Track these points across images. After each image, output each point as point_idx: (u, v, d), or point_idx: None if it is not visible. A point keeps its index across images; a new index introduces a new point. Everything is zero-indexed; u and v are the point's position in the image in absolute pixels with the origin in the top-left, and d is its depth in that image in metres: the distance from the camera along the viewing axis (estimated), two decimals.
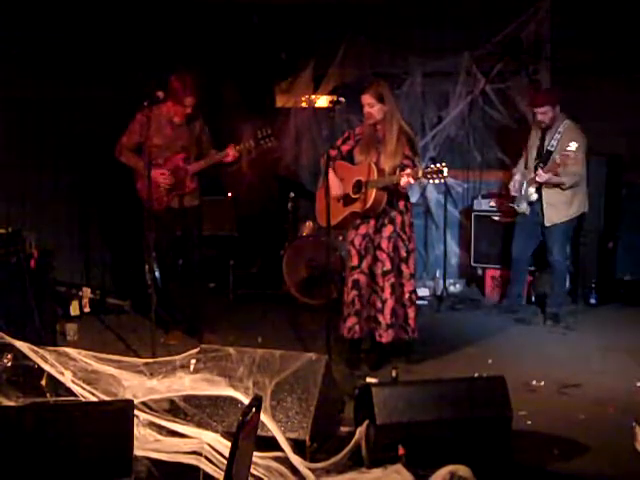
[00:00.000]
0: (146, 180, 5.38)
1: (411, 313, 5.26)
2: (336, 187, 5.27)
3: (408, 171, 4.95)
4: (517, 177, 6.50)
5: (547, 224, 6.34)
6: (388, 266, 5.18)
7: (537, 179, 6.19)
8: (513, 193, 6.48)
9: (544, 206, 6.33)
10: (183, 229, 5.88)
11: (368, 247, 5.24)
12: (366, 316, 5.31)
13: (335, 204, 5.24)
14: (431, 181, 4.94)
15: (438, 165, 4.82)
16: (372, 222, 5.22)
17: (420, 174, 4.88)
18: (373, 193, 5.09)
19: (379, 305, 5.21)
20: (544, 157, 6.29)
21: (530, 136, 6.49)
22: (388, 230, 5.20)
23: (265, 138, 5.67)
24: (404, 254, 5.23)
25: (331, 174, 5.28)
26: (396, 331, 5.26)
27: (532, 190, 6.31)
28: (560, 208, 6.33)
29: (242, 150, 5.77)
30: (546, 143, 6.31)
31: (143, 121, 5.49)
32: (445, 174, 4.79)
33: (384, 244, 5.19)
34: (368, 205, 5.13)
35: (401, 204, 5.23)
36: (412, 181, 4.95)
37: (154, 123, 5.59)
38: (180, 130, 5.75)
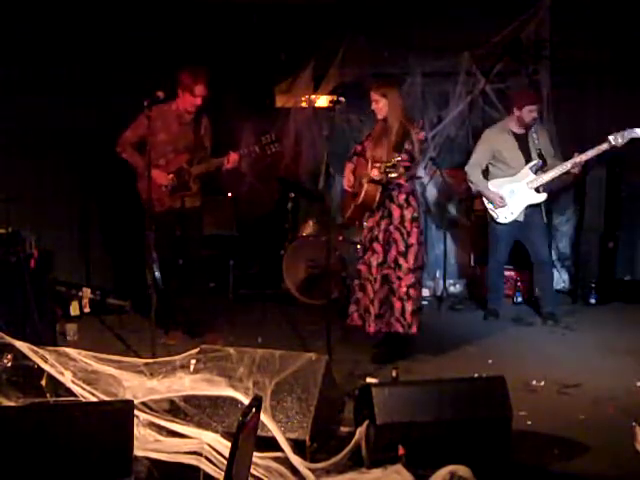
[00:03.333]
0: (147, 180, 5.40)
1: (408, 307, 5.30)
2: (347, 180, 5.52)
3: (377, 164, 5.18)
4: (495, 189, 6.35)
5: (546, 220, 6.47)
6: (380, 258, 5.33)
7: (574, 170, 6.14)
8: (499, 205, 6.33)
9: (542, 206, 6.39)
10: (183, 230, 5.88)
11: (372, 239, 5.38)
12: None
13: (349, 199, 5.53)
14: (391, 175, 5.10)
15: (393, 160, 5.06)
16: (376, 215, 5.37)
17: (382, 168, 5.10)
18: (364, 187, 5.28)
19: (371, 295, 5.35)
20: (540, 157, 6.29)
21: (495, 144, 6.37)
22: (385, 223, 5.34)
23: (270, 144, 5.70)
24: (402, 248, 5.30)
25: (347, 168, 5.53)
26: (388, 323, 5.34)
27: (533, 192, 6.30)
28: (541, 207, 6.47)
29: (243, 155, 5.78)
30: (533, 144, 6.30)
31: (153, 115, 5.49)
32: (399, 171, 5.03)
33: (380, 236, 5.35)
34: (360, 199, 5.33)
35: (401, 198, 5.32)
36: (377, 174, 5.17)
37: (160, 119, 5.60)
38: (186, 129, 5.74)
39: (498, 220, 6.40)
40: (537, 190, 6.31)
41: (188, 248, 5.91)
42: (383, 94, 5.27)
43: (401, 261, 5.30)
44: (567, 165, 6.15)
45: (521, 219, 6.38)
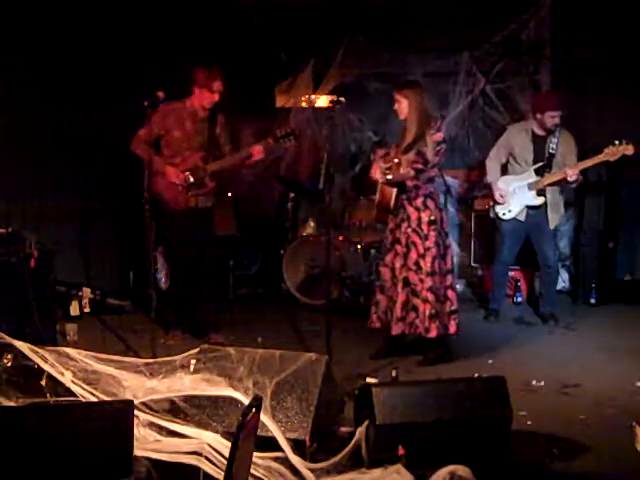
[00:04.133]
0: (162, 177, 5.42)
1: (427, 310, 5.25)
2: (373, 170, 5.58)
3: (381, 165, 5.29)
4: (501, 185, 6.37)
5: (552, 226, 6.41)
6: (402, 260, 5.31)
7: (570, 178, 6.09)
8: (500, 201, 6.36)
9: (549, 209, 6.36)
10: (193, 229, 5.75)
11: (393, 241, 5.39)
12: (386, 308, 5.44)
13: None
14: (387, 177, 5.23)
15: (390, 162, 5.24)
16: (397, 217, 5.37)
17: (381, 170, 5.27)
18: (379, 188, 5.36)
19: (395, 297, 5.33)
20: (548, 160, 6.27)
21: (512, 141, 6.38)
22: (404, 226, 5.33)
23: (285, 137, 5.55)
24: (422, 250, 5.27)
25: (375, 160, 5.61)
26: (411, 324, 5.29)
27: (534, 193, 6.30)
28: (559, 210, 6.44)
29: (265, 147, 5.62)
30: (548, 147, 6.28)
31: (166, 112, 5.49)
32: (394, 172, 5.16)
33: (402, 239, 5.33)
34: (377, 200, 5.41)
35: (419, 201, 5.30)
36: (377, 175, 5.33)
37: (174, 117, 5.57)
38: (201, 126, 5.67)
39: (499, 215, 6.42)
40: (539, 193, 6.30)
41: (199, 248, 5.82)
42: (405, 95, 5.26)
43: (422, 263, 5.25)
44: (562, 173, 6.14)
45: (522, 219, 6.36)
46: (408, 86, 5.40)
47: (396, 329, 5.31)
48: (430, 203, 5.31)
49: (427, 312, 5.25)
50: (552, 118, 6.18)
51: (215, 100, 5.60)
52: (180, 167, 5.63)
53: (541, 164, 6.27)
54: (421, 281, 5.25)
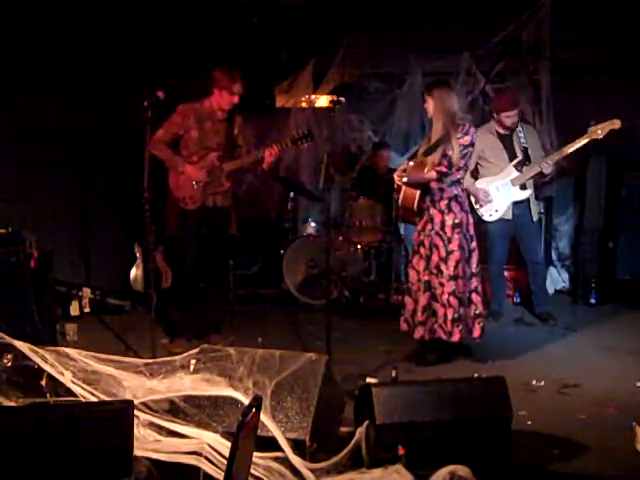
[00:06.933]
0: (180, 176, 5.44)
1: (449, 315, 5.19)
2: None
3: (402, 166, 5.33)
4: (482, 186, 6.32)
5: (535, 218, 6.42)
6: (424, 263, 5.28)
7: (545, 170, 6.11)
8: (484, 203, 6.31)
9: (531, 202, 6.36)
10: (209, 228, 5.69)
11: (419, 243, 5.37)
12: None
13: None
14: (403, 179, 5.25)
15: (405, 165, 5.32)
16: (423, 219, 5.33)
17: (401, 171, 5.31)
18: (402, 189, 5.33)
19: (418, 300, 5.30)
20: (524, 155, 6.26)
21: (480, 144, 6.12)
22: (428, 228, 5.29)
23: (302, 139, 5.48)
24: (444, 254, 5.21)
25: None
26: (431, 330, 5.25)
27: (518, 188, 6.28)
28: (537, 204, 6.51)
29: (281, 148, 5.56)
30: (518, 142, 6.28)
31: (186, 113, 5.50)
32: (404, 180, 5.22)
33: (426, 241, 5.29)
34: (399, 201, 5.39)
35: (442, 203, 5.24)
36: (396, 179, 5.33)
37: (193, 117, 5.56)
38: (219, 127, 5.65)
39: (484, 218, 6.36)
40: (522, 187, 6.30)
41: (213, 248, 5.74)
42: (431, 95, 5.20)
43: (442, 267, 5.19)
44: (548, 161, 6.13)
45: (509, 217, 6.35)
46: (435, 86, 5.28)
47: (417, 333, 5.29)
48: (455, 206, 5.23)
49: (449, 316, 5.19)
50: (508, 118, 6.22)
51: (234, 102, 5.58)
52: (197, 165, 5.62)
53: (519, 159, 6.26)
54: (441, 285, 5.20)
